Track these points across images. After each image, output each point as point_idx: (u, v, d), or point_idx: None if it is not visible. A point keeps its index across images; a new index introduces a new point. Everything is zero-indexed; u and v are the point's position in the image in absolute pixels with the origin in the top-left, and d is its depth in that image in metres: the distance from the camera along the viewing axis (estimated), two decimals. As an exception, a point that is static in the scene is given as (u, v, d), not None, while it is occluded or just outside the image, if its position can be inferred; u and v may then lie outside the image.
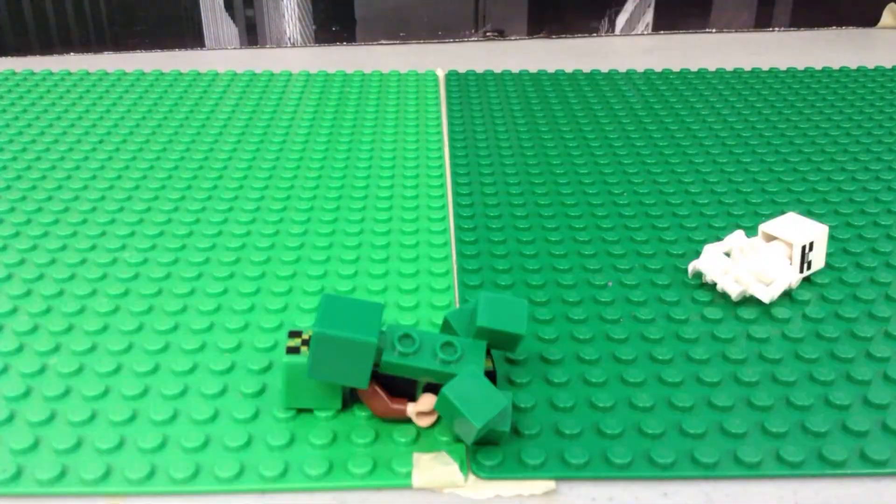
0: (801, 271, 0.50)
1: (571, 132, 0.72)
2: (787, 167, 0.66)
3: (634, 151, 0.68)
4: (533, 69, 0.87)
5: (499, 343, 0.41)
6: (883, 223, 0.57)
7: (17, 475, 0.37)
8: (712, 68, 0.87)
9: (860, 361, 0.44)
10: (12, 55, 0.95)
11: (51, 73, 0.86)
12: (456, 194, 0.62)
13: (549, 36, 1.01)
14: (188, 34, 0.97)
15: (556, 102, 0.78)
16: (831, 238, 0.55)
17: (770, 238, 0.50)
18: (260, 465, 0.38)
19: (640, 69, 0.87)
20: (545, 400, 0.42)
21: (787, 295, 0.50)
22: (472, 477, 0.38)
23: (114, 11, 0.95)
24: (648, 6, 1.00)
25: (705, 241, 0.54)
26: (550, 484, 0.37)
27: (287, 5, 0.97)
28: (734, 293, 0.48)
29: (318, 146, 0.69)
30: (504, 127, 0.73)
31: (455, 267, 0.53)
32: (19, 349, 0.45)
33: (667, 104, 0.78)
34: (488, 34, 1.00)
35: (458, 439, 0.39)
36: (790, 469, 0.38)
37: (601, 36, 1.01)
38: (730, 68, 0.87)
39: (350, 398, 0.41)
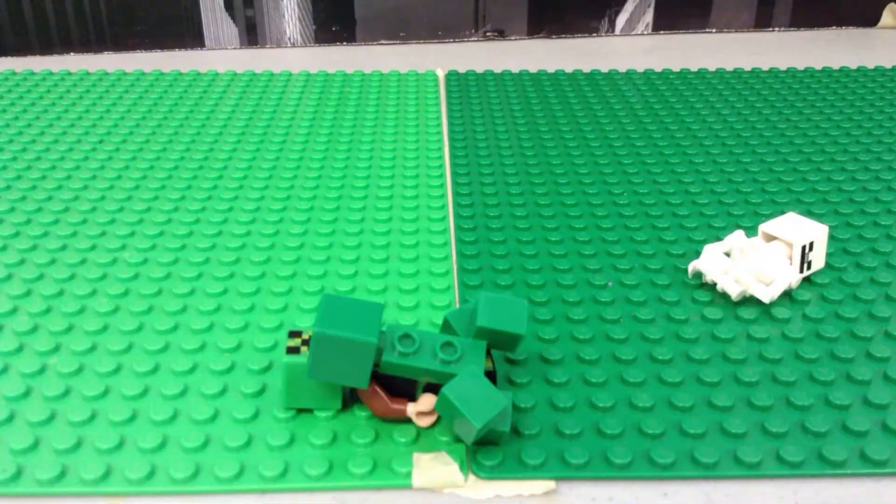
0: (801, 271, 0.50)
1: (571, 132, 0.72)
2: (787, 167, 0.66)
3: (634, 151, 0.68)
4: (533, 69, 0.87)
5: (499, 343, 0.41)
6: (883, 223, 0.57)
7: (17, 475, 0.37)
8: (712, 68, 0.87)
9: (860, 361, 0.44)
10: (12, 55, 0.95)
11: (51, 73, 0.86)
12: (456, 194, 0.62)
13: (549, 36, 1.01)
14: (188, 34, 0.97)
15: (556, 102, 0.78)
16: (831, 238, 0.55)
17: (770, 238, 0.50)
18: (260, 465, 0.38)
19: (640, 69, 0.87)
20: (545, 400, 0.42)
21: (787, 295, 0.50)
22: (472, 477, 0.38)
23: (114, 11, 0.95)
24: (648, 6, 1.00)
25: (705, 241, 0.54)
26: (550, 484, 0.37)
27: (287, 5, 0.97)
28: (734, 293, 0.48)
29: (318, 146, 0.69)
30: (504, 127, 0.73)
31: (455, 267, 0.53)
32: (19, 349, 0.45)
33: (667, 104, 0.78)
34: (488, 34, 1.00)
35: (458, 439, 0.39)
36: (790, 469, 0.38)
37: (601, 36, 1.01)
38: (730, 68, 0.87)
39: (350, 398, 0.41)
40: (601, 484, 0.38)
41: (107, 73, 0.86)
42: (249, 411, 0.41)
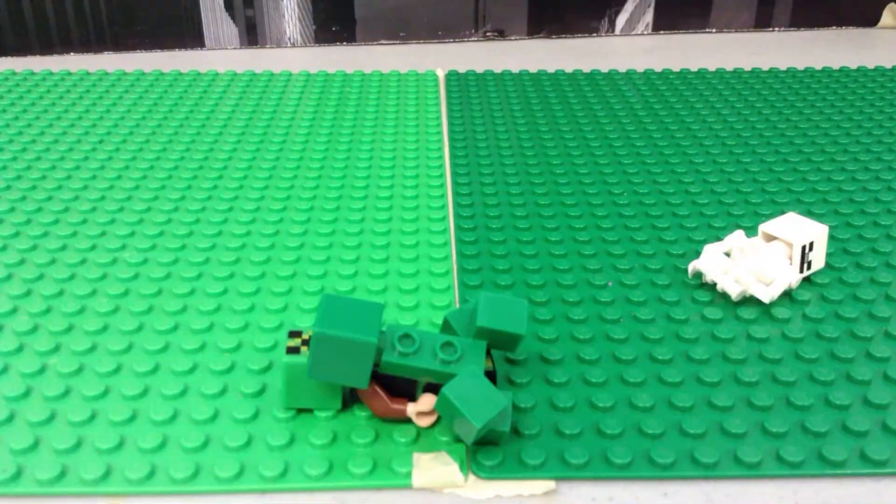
0: (801, 271, 0.50)
1: (571, 132, 0.72)
2: (787, 167, 0.66)
3: (634, 151, 0.68)
4: (533, 69, 0.87)
5: (499, 343, 0.41)
6: (883, 223, 0.57)
7: (17, 475, 0.37)
8: (712, 68, 0.87)
9: (860, 361, 0.44)
10: (12, 55, 0.95)
11: (51, 73, 0.86)
12: (456, 194, 0.62)
13: (549, 36, 1.01)
14: (188, 34, 0.97)
15: (556, 102, 0.78)
16: (831, 238, 0.55)
17: (770, 238, 0.50)
18: (260, 465, 0.38)
19: (640, 69, 0.87)
20: (545, 400, 0.42)
21: (787, 295, 0.50)
22: (472, 477, 0.38)
23: (114, 11, 0.95)
24: (648, 6, 1.00)
25: (705, 241, 0.54)
26: (550, 484, 0.37)
27: (287, 5, 0.97)
28: (734, 293, 0.48)
29: (318, 146, 0.69)
30: (504, 127, 0.73)
31: (455, 267, 0.53)
32: (19, 349, 0.45)
33: (667, 104, 0.78)
34: (488, 34, 1.00)
35: (458, 439, 0.39)
36: (790, 469, 0.38)
37: (601, 36, 1.01)
38: (730, 68, 0.87)
39: (350, 398, 0.41)
40: (601, 484, 0.38)
41: (107, 73, 0.86)
42: (249, 411, 0.41)
